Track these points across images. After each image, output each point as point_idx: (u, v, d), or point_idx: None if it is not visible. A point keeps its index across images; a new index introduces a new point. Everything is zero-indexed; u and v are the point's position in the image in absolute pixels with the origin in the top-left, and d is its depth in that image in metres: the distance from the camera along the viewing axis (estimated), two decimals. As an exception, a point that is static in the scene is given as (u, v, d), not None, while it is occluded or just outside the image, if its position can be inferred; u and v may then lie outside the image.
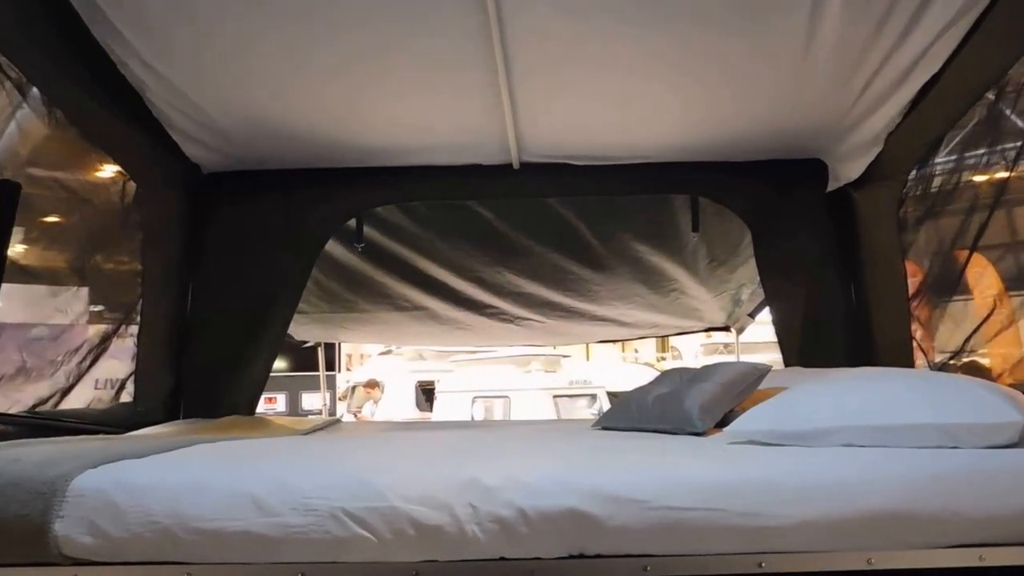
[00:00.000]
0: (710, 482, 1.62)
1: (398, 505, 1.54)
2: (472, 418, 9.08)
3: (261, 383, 3.50)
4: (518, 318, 4.44)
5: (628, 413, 2.60)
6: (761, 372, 2.48)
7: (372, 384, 10.12)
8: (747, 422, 2.09)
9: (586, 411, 9.26)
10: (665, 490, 1.59)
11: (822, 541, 1.58)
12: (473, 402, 9.48)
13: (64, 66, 2.50)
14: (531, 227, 3.87)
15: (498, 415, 9.12)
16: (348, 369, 13.32)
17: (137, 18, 2.48)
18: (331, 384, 7.94)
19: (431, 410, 10.18)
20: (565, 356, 10.25)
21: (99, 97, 2.66)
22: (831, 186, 3.43)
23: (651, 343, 14.77)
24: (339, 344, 7.85)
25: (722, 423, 2.33)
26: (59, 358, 2.69)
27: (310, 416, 9.37)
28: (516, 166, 3.45)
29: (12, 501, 1.54)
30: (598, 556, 1.59)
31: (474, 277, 4.07)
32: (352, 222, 3.62)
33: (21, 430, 2.39)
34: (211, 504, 1.55)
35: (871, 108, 2.92)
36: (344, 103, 3.01)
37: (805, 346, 3.34)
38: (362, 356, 13.94)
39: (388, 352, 11.71)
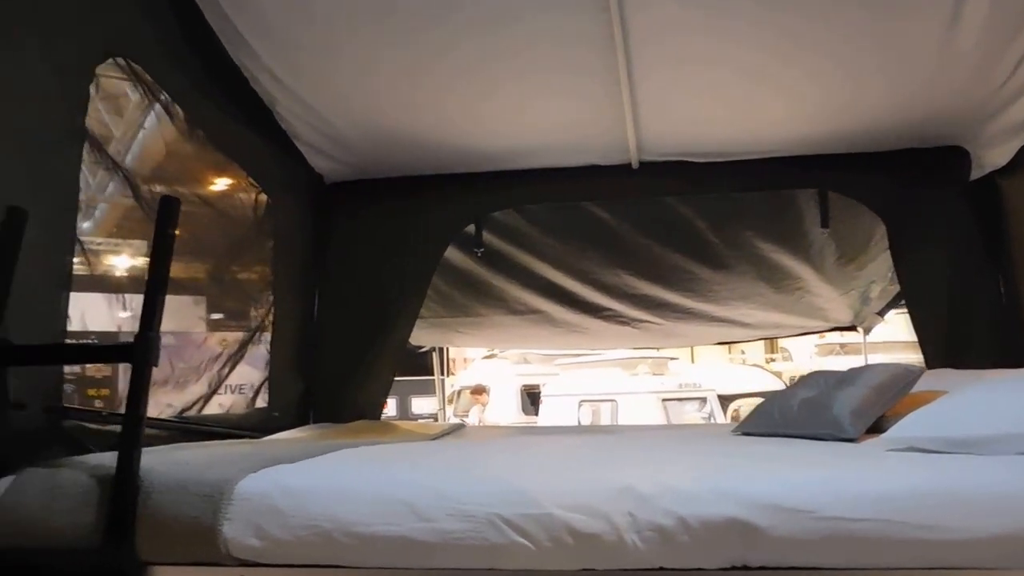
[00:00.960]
0: (881, 492, 1.53)
1: (555, 512, 1.51)
2: (579, 422, 9.03)
3: (386, 388, 3.56)
4: (634, 320, 4.36)
5: (771, 418, 2.51)
6: (914, 375, 2.34)
7: (479, 389, 10.18)
8: (908, 428, 1.97)
9: (696, 415, 9.07)
10: (833, 500, 1.51)
11: (1012, 557, 1.46)
12: (580, 406, 9.43)
13: (204, 86, 2.60)
14: (649, 227, 3.80)
15: (605, 419, 9.03)
16: (452, 373, 13.49)
17: (270, 36, 2.57)
18: (442, 389, 8.03)
19: (536, 414, 10.18)
20: (672, 358, 10.07)
21: (234, 113, 2.77)
22: (974, 174, 3.23)
23: (759, 344, 14.33)
24: (447, 349, 7.93)
25: (872, 429, 2.21)
26: (201, 365, 2.79)
27: (421, 420, 9.53)
28: (635, 166, 3.40)
29: (182, 503, 1.59)
30: (762, 568, 1.52)
31: (590, 279, 4.03)
32: (470, 227, 3.65)
33: (173, 434, 2.49)
34: (367, 509, 1.56)
35: (1022, 90, 2.74)
36: (464, 109, 3.03)
37: (951, 346, 3.14)
38: (465, 360, 14.08)
39: (492, 356, 11.77)
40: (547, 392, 9.94)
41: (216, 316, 2.86)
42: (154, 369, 2.65)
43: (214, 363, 2.82)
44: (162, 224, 1.78)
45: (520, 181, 3.46)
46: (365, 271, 3.46)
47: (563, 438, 2.72)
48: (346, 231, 3.49)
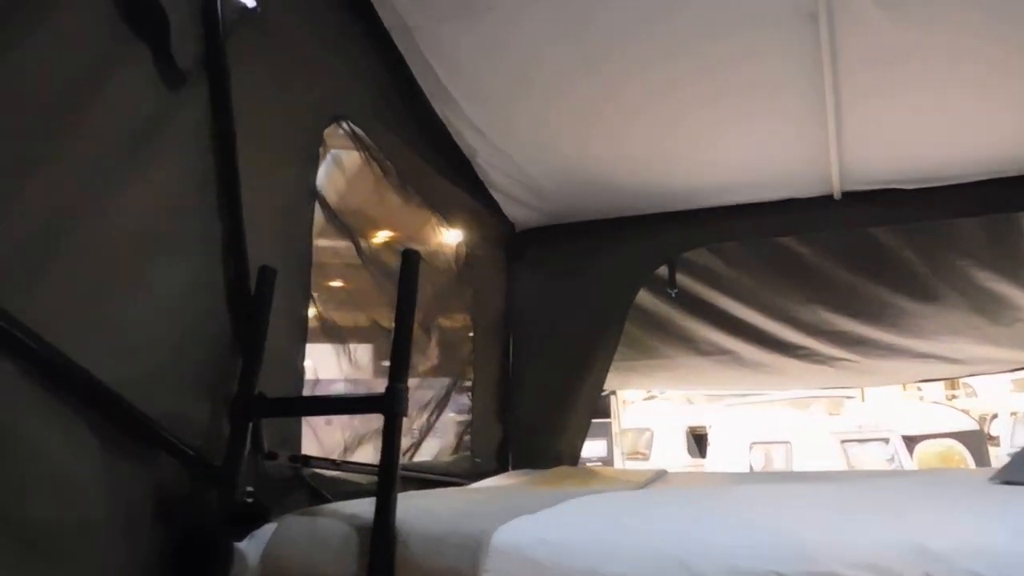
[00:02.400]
0: None
1: (839, 571, 1.40)
2: (750, 466, 8.65)
3: (583, 433, 3.52)
4: (830, 359, 4.11)
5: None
6: None
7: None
8: None
9: (880, 458, 8.48)
10: None
11: None
12: (751, 448, 9.04)
13: (414, 142, 2.70)
14: (850, 260, 3.59)
15: (778, 462, 8.61)
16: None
17: (473, 89, 2.63)
18: (607, 432, 7.92)
19: (703, 456, 9.83)
20: (849, 397, 9.49)
21: (440, 167, 2.86)
22: None
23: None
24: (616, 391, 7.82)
25: None
26: (413, 412, 2.85)
27: (589, 463, 9.41)
28: (837, 196, 3.23)
29: (441, 553, 1.59)
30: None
31: (786, 317, 3.84)
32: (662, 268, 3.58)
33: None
34: (632, 563, 1.50)
35: None
36: (648, 146, 2.99)
37: None
38: (624, 402, 13.87)
39: (652, 397, 11.51)
40: (715, 434, 9.59)
41: (427, 364, 2.92)
42: (370, 417, 2.76)
43: (424, 410, 2.88)
44: (405, 276, 1.83)
45: (713, 218, 3.37)
46: (557, 317, 3.46)
47: (794, 486, 2.56)
48: (537, 277, 3.51)
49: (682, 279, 3.71)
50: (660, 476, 3.14)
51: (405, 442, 2.85)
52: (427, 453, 2.99)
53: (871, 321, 3.85)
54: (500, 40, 2.42)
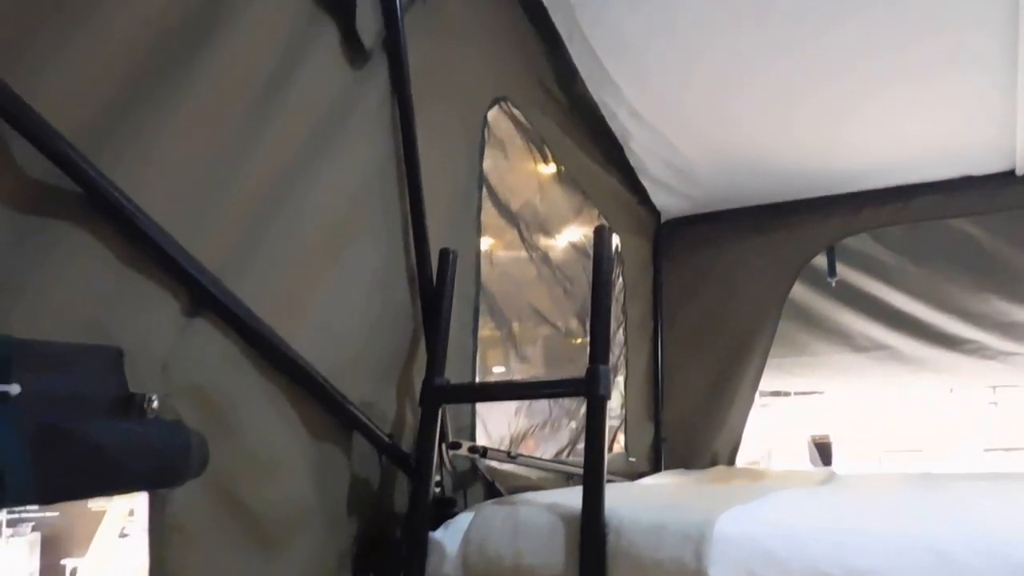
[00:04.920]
0: None
1: None
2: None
3: (739, 433, 3.34)
4: (1002, 354, 3.80)
5: None
6: None
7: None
8: None
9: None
10: None
11: None
12: (880, 460, 8.61)
13: (568, 127, 2.62)
14: (1032, 242, 3.31)
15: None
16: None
17: (633, 67, 2.52)
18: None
19: (828, 466, 9.38)
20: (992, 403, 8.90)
21: (592, 153, 2.77)
22: None
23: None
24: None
25: None
26: (572, 408, 2.75)
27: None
28: (1020, 172, 2.97)
29: (661, 543, 1.47)
30: None
31: (954, 307, 3.57)
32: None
33: (556, 477, 2.44)
34: (884, 556, 1.35)
35: None
36: (817, 127, 2.81)
37: None
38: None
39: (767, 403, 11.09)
40: (839, 444, 9.15)
41: (583, 360, 2.81)
42: (536, 413, 2.67)
43: (581, 406, 2.77)
44: (599, 253, 1.73)
45: (877, 201, 3.15)
46: (707, 311, 3.31)
47: (997, 483, 2.33)
48: (685, 270, 3.36)
49: (840, 269, 3.49)
50: (832, 477, 2.93)
51: (562, 439, 2.77)
52: (580, 452, 2.88)
53: (1053, 312, 3.54)
54: (669, 20, 2.30)
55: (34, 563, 7.59)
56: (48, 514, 7.92)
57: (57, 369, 1.06)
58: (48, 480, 1.02)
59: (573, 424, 2.79)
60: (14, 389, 0.98)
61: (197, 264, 1.23)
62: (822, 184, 3.12)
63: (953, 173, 3.03)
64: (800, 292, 3.64)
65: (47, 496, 1.04)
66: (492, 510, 1.68)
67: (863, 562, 1.35)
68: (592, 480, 1.55)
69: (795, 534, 1.43)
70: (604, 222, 2.92)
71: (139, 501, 6.62)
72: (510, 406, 2.52)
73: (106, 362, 1.14)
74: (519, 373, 2.50)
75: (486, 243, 2.25)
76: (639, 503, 1.64)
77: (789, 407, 9.99)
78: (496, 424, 2.41)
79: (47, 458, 1.01)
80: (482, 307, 2.20)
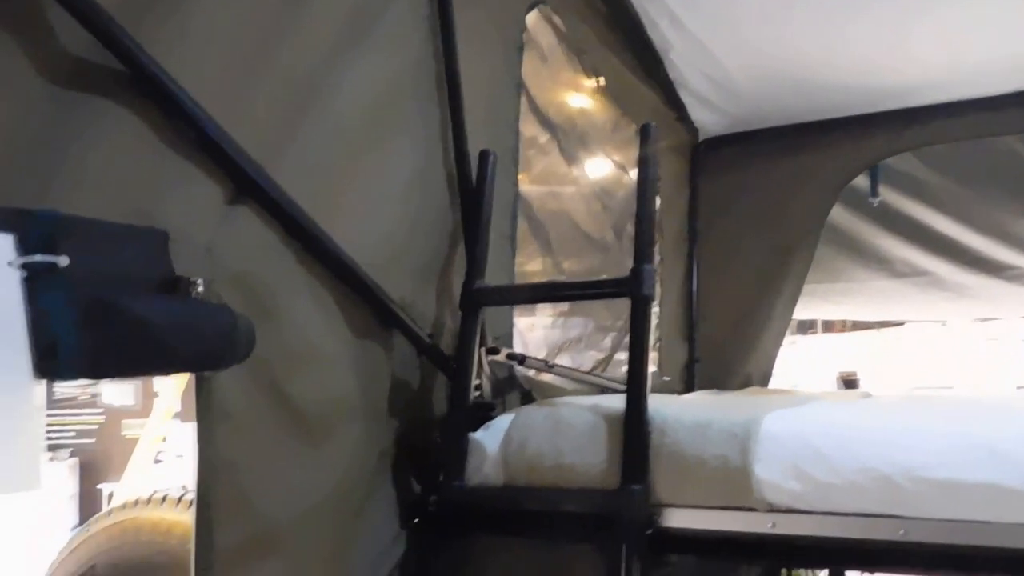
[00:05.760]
0: None
1: None
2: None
3: (773, 355, 3.32)
4: (1047, 281, 3.71)
5: None
6: None
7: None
8: None
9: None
10: None
11: None
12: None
13: (605, 35, 2.54)
14: (1087, 160, 3.18)
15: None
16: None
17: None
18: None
19: (854, 406, 9.36)
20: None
21: (630, 64, 2.69)
22: None
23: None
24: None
25: None
26: (608, 323, 2.74)
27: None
28: (1078, 87, 2.84)
29: (705, 442, 1.46)
30: None
31: (997, 231, 3.46)
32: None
33: (591, 390, 2.43)
34: (935, 453, 1.32)
35: None
36: (869, 41, 2.67)
37: None
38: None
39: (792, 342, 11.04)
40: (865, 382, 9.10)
41: (617, 274, 2.78)
42: (572, 327, 2.65)
43: (617, 322, 2.76)
44: (644, 152, 1.68)
45: (923, 118, 3.02)
46: (744, 232, 3.24)
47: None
48: (721, 190, 3.28)
49: (881, 190, 3.40)
50: (867, 396, 2.90)
51: (601, 353, 2.76)
52: (614, 370, 2.87)
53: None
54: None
55: (73, 486, 7.85)
56: (85, 441, 8.16)
57: (104, 248, 1.05)
58: (98, 354, 1.02)
59: (607, 341, 2.77)
60: (63, 261, 0.97)
61: (240, 150, 1.21)
62: (867, 100, 3.01)
63: (1005, 88, 2.90)
64: (839, 215, 3.55)
65: (97, 370, 1.04)
66: (533, 410, 1.68)
67: (912, 459, 1.33)
68: (635, 379, 1.54)
69: (843, 432, 1.41)
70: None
71: (172, 428, 6.79)
72: (547, 320, 2.51)
73: (152, 244, 1.13)
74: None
75: (523, 151, 2.21)
76: (682, 406, 1.63)
77: (816, 344, 9.96)
78: (532, 336, 2.40)
79: (96, 332, 1.01)
80: (519, 216, 2.17)
